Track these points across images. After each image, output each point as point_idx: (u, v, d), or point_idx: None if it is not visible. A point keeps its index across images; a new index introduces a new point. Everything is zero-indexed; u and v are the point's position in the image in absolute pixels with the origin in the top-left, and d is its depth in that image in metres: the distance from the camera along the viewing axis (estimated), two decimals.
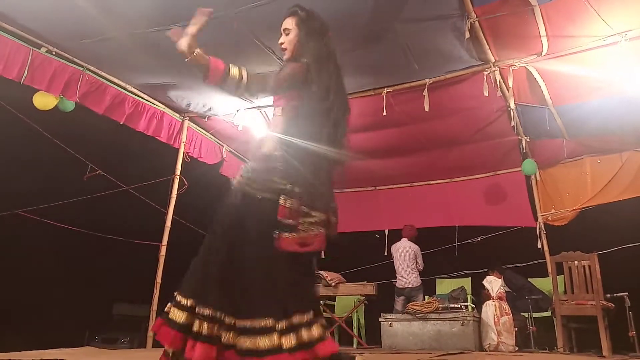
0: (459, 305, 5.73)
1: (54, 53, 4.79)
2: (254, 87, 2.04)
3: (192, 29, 1.93)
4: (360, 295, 6.64)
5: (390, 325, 5.79)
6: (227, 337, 1.83)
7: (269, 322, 1.78)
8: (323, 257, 6.47)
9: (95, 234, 5.63)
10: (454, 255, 7.45)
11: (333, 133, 2.05)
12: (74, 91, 4.98)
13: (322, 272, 6.44)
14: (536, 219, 6.86)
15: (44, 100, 4.82)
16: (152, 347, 5.51)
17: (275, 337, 1.76)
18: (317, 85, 2.07)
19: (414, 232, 7.02)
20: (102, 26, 4.41)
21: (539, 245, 6.69)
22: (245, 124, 6.23)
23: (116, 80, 5.42)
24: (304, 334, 1.80)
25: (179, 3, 4.08)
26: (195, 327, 1.83)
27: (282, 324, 1.78)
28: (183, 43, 1.90)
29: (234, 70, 1.98)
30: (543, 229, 6.74)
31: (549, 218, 6.77)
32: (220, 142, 7.01)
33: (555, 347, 5.28)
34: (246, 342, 1.77)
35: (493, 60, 4.87)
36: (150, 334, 5.52)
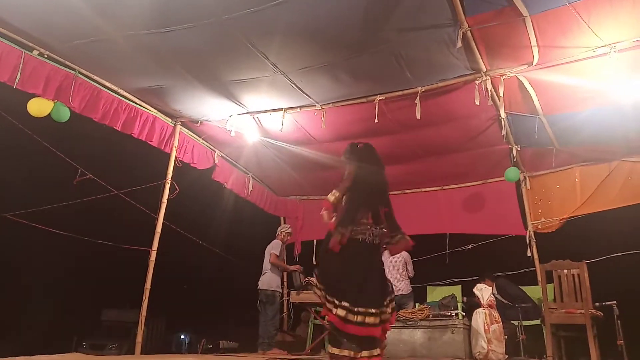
0: (450, 313, 5.74)
1: (45, 56, 4.76)
2: None
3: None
4: None
5: None
6: None
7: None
8: (314, 264, 6.46)
9: (84, 238, 5.58)
10: (444, 263, 7.46)
11: None
12: (67, 96, 4.94)
13: (312, 278, 6.43)
14: (526, 227, 6.90)
15: (38, 107, 4.76)
16: (141, 353, 5.45)
17: None
18: None
19: None
20: (95, 28, 4.40)
21: (529, 254, 6.73)
22: (238, 130, 6.22)
23: (108, 84, 5.40)
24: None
25: (171, 5, 4.09)
26: None
27: None
28: None
29: None
30: (533, 237, 6.78)
31: (539, 226, 6.81)
32: (212, 147, 7.00)
33: (544, 356, 5.30)
34: None
35: (484, 69, 4.92)
36: (139, 339, 5.45)
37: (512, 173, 6.44)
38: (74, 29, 4.44)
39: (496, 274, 6.61)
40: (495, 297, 6.32)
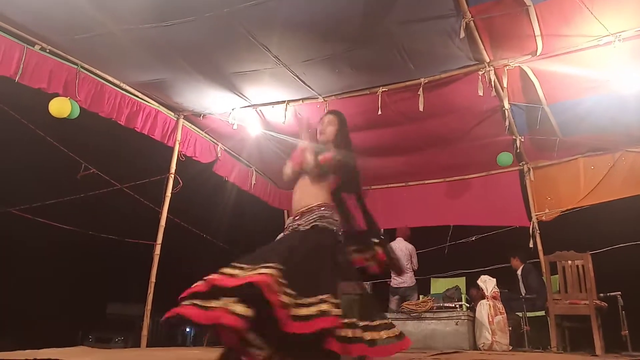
0: (454, 305, 5.75)
1: (47, 51, 4.75)
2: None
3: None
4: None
5: None
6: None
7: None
8: None
9: (89, 232, 5.60)
10: (448, 254, 7.46)
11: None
12: (73, 91, 4.95)
13: None
14: (530, 218, 6.88)
15: (60, 108, 4.78)
16: (147, 346, 5.48)
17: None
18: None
19: (409, 231, 7.06)
20: (95, 22, 4.39)
21: (531, 245, 6.71)
22: (240, 123, 6.21)
23: (110, 79, 5.40)
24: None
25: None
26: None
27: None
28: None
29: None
30: (537, 228, 6.76)
31: (544, 218, 6.80)
32: (214, 141, 6.99)
33: (548, 347, 5.30)
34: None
35: (488, 60, 4.88)
36: (144, 333, 5.48)
37: (504, 157, 6.41)
38: (75, 23, 4.43)
39: (501, 266, 6.62)
40: (519, 278, 6.33)
